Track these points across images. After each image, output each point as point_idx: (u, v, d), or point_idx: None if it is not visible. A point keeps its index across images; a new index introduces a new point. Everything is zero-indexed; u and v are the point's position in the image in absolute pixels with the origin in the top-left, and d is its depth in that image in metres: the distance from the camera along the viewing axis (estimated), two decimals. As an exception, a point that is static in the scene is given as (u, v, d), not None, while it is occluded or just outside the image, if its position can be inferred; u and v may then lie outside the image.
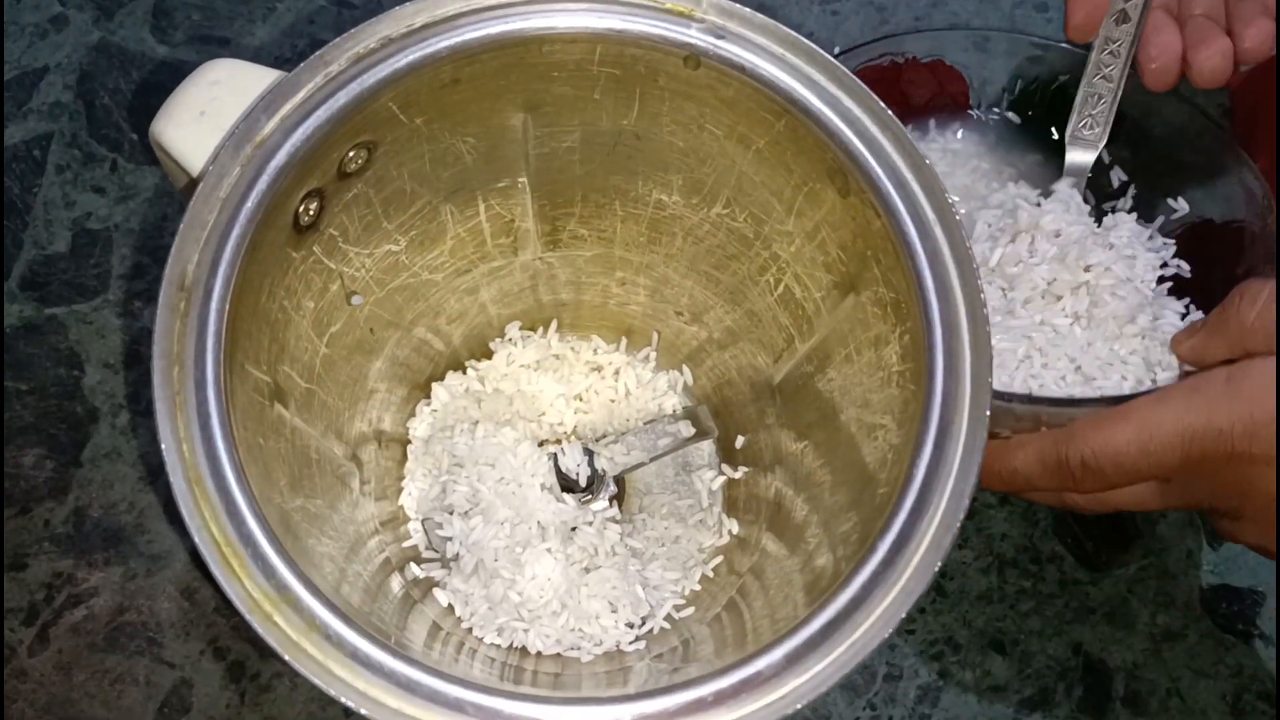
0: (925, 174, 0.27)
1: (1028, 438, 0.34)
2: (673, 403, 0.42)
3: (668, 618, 0.37)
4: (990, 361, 0.26)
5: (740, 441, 0.40)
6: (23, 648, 0.39)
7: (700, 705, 0.24)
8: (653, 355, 0.42)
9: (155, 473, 0.42)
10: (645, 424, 0.41)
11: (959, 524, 0.25)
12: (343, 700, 0.23)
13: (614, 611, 0.36)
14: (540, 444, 0.40)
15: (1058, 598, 0.42)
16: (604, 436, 0.40)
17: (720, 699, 0.24)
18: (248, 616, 0.24)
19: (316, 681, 0.23)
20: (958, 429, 0.26)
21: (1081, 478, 0.33)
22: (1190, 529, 0.44)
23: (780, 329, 0.36)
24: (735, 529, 0.39)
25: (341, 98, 0.28)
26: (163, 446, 0.25)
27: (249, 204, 0.27)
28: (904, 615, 0.25)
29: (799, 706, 0.24)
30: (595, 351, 0.42)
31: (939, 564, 0.25)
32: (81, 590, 0.40)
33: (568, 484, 0.38)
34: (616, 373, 0.42)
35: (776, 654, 0.24)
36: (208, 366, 0.26)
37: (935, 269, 0.27)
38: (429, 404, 0.41)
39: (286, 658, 0.24)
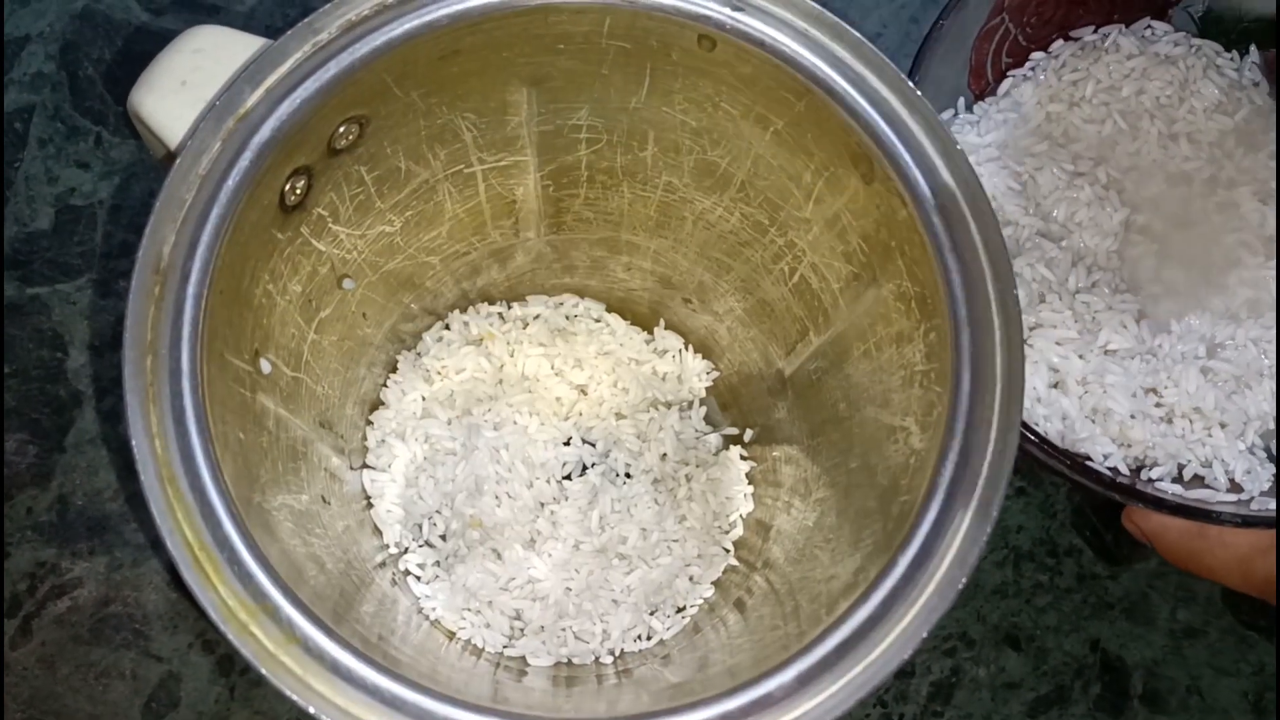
0: (956, 160, 0.26)
1: (1232, 538, 0.33)
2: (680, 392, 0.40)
3: (672, 615, 0.36)
4: (1023, 364, 0.24)
5: (749, 435, 0.39)
6: (4, 640, 0.38)
7: (706, 727, 0.23)
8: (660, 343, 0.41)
9: (141, 459, 0.41)
10: (652, 413, 0.39)
11: (986, 538, 0.24)
12: (322, 719, 0.22)
13: (618, 608, 0.35)
14: (543, 431, 0.38)
15: (1075, 592, 0.41)
16: (609, 425, 0.39)
17: (727, 721, 0.23)
18: (222, 627, 0.22)
19: (295, 699, 0.22)
20: (986, 436, 0.24)
21: None
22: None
23: (794, 320, 0.35)
24: (742, 525, 0.38)
25: (331, 68, 0.27)
26: (132, 443, 0.23)
27: (230, 182, 0.26)
28: (925, 635, 0.23)
29: (811, 732, 0.23)
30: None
31: (963, 580, 0.23)
32: (65, 581, 0.39)
33: (571, 474, 0.37)
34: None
35: (788, 674, 0.23)
36: (183, 356, 0.25)
37: (965, 263, 0.25)
38: (427, 388, 0.40)
39: (264, 671, 0.22)
